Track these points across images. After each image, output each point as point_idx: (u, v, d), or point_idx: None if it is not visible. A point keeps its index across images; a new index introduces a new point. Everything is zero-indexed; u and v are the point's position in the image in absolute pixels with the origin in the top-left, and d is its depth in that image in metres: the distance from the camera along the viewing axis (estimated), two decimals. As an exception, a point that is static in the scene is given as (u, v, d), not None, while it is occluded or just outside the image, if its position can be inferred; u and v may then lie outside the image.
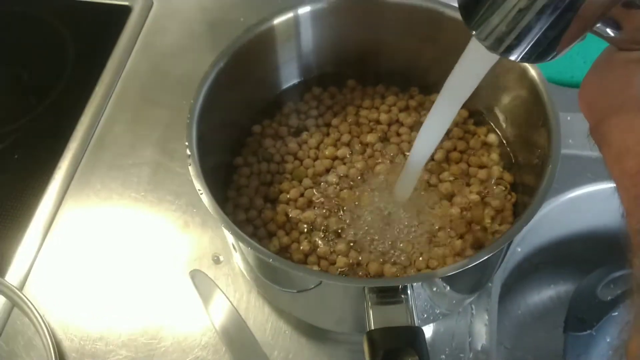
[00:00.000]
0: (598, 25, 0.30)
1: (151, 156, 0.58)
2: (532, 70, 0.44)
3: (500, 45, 0.29)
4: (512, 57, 0.29)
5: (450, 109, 0.39)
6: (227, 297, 0.50)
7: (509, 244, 0.42)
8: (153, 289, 0.51)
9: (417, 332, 0.34)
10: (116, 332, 0.49)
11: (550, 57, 0.29)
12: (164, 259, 0.52)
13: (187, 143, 0.42)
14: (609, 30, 0.31)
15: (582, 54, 0.63)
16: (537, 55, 0.29)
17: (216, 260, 0.52)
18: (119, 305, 0.50)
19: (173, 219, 0.54)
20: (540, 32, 0.28)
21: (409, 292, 0.36)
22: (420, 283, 0.38)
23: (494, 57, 0.32)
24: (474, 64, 0.35)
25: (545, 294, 0.67)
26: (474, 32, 0.30)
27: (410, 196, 0.46)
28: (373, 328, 0.35)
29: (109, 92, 0.63)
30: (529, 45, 0.28)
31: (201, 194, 0.40)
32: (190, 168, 0.41)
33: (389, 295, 0.36)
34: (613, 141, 0.30)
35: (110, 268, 0.52)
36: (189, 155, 0.41)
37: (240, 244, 0.41)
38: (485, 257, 0.37)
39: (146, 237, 0.54)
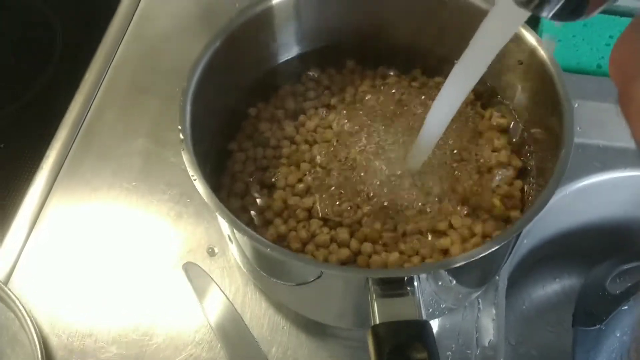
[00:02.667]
0: None
1: (143, 145, 0.56)
2: (541, 51, 0.42)
3: (532, 0, 0.28)
4: (544, 14, 0.28)
5: (472, 72, 0.37)
6: (223, 291, 0.47)
7: (520, 233, 0.40)
8: (145, 283, 0.49)
9: (425, 326, 0.32)
10: (106, 328, 0.46)
11: (581, 16, 0.28)
12: (156, 251, 0.50)
13: (180, 127, 0.40)
14: None
15: (587, 41, 0.62)
16: (569, 12, 0.28)
17: (211, 253, 0.50)
18: (109, 300, 0.48)
19: (166, 210, 0.52)
20: None
21: (415, 283, 0.34)
22: (427, 274, 0.36)
23: (524, 15, 0.31)
24: (502, 23, 0.33)
25: (550, 288, 0.66)
26: None
27: (419, 169, 0.45)
28: (378, 322, 0.33)
29: (99, 79, 0.60)
30: (562, 0, 0.27)
31: (195, 180, 0.37)
32: (183, 153, 0.38)
33: (395, 287, 0.34)
34: None
35: (100, 261, 0.50)
36: (182, 140, 0.39)
37: (236, 233, 0.39)
38: (496, 247, 0.35)
39: (138, 229, 0.51)
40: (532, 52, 0.43)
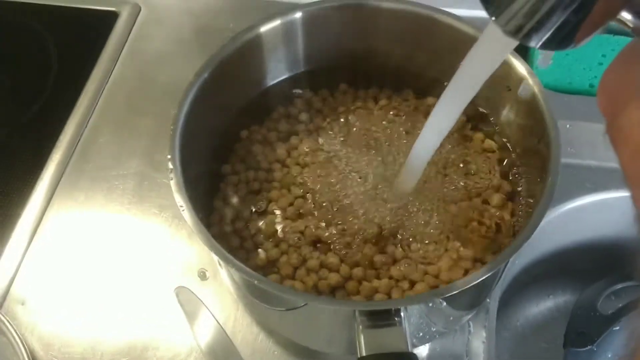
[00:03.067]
0: (623, 13, 0.28)
1: (136, 167, 0.56)
2: (530, 80, 0.42)
3: (521, 30, 0.28)
4: (532, 43, 0.28)
5: (460, 98, 0.37)
6: (214, 316, 0.48)
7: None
8: (137, 307, 0.49)
9: (411, 358, 0.33)
10: (98, 351, 0.47)
11: (570, 46, 0.28)
12: (148, 274, 0.50)
13: (169, 156, 0.40)
14: (634, 19, 0.29)
15: (580, 60, 0.62)
16: (557, 42, 0.27)
17: (202, 276, 0.50)
18: (101, 324, 0.48)
19: (158, 232, 0.53)
20: (564, 17, 0.26)
21: (402, 314, 0.35)
22: (414, 305, 0.36)
23: (512, 44, 0.31)
24: (490, 50, 0.33)
25: (544, 305, 0.66)
26: (493, 18, 0.29)
27: (409, 194, 0.45)
28: (364, 354, 0.33)
29: (93, 101, 0.61)
30: (550, 31, 0.27)
31: (183, 210, 0.38)
32: (172, 182, 0.39)
33: (382, 317, 0.35)
34: (630, 136, 0.28)
35: (93, 285, 0.50)
36: (171, 170, 0.39)
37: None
38: (484, 277, 0.35)
39: (130, 252, 0.52)
40: (521, 80, 0.43)
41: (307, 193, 0.47)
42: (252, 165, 0.48)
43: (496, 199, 0.46)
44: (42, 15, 0.69)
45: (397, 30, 0.48)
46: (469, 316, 0.47)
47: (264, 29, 0.46)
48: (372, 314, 0.35)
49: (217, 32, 0.64)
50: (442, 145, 0.48)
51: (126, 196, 0.55)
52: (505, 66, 0.44)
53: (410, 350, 0.33)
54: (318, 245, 0.44)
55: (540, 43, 0.28)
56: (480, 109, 0.49)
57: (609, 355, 0.53)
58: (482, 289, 0.43)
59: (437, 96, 0.50)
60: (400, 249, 0.44)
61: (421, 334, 0.43)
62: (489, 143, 0.48)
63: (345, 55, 0.51)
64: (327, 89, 0.52)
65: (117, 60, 0.64)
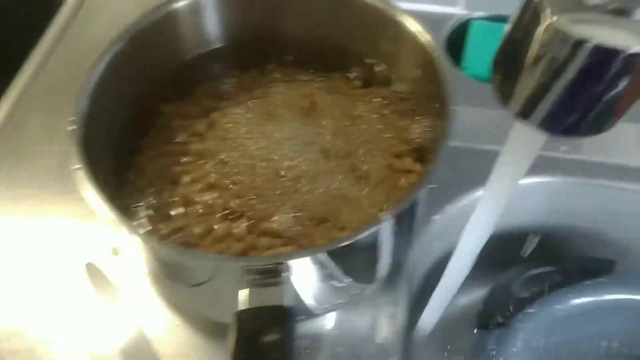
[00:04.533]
0: None
1: (62, 146, 0.56)
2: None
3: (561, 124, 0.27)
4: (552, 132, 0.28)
5: (498, 204, 0.36)
6: (122, 293, 0.47)
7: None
8: (43, 285, 0.49)
9: (286, 311, 0.33)
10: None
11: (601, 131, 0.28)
12: (59, 251, 0.50)
13: (72, 119, 0.40)
14: None
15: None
16: (584, 130, 0.27)
17: (115, 252, 0.50)
18: (6, 309, 0.48)
19: (75, 208, 0.52)
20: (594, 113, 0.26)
21: (286, 272, 0.35)
22: (300, 262, 0.37)
23: (541, 137, 0.30)
24: (523, 147, 0.32)
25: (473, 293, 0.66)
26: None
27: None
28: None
29: (30, 80, 0.61)
30: (586, 121, 0.27)
31: (79, 169, 0.38)
32: (72, 144, 0.39)
33: (267, 276, 0.35)
34: None
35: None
36: (73, 130, 0.39)
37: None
38: (360, 236, 0.35)
39: (44, 229, 0.52)
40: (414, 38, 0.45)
41: (223, 166, 0.47)
42: (170, 139, 0.48)
43: (406, 162, 0.47)
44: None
45: (313, 8, 0.49)
46: (371, 288, 0.47)
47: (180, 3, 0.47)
48: (259, 273, 0.35)
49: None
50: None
51: (49, 173, 0.54)
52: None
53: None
54: (229, 216, 0.44)
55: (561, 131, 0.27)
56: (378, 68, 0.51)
57: (520, 337, 0.53)
58: (376, 255, 0.42)
59: (359, 72, 0.52)
60: (313, 223, 0.44)
61: (323, 305, 0.44)
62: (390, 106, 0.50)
63: (263, 32, 0.52)
64: (251, 65, 0.53)
65: (58, 43, 0.64)
